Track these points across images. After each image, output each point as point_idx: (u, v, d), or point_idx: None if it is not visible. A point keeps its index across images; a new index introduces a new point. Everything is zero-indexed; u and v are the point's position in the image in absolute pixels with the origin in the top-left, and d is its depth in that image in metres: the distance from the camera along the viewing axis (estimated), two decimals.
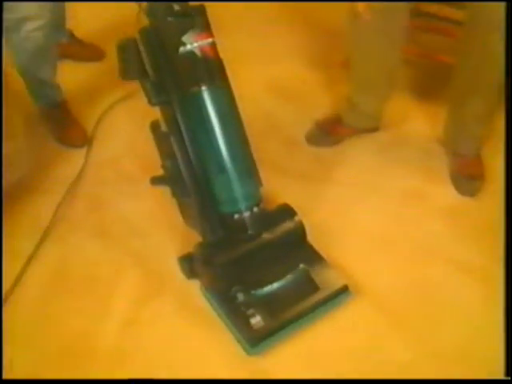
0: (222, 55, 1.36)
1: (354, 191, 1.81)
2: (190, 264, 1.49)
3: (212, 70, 1.34)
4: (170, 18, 1.30)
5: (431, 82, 2.17)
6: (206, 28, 1.33)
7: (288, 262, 1.47)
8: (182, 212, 1.53)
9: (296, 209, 1.49)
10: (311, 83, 2.22)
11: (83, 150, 1.91)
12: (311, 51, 2.36)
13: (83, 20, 2.36)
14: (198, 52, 1.30)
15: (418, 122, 2.05)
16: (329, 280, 1.46)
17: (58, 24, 2.04)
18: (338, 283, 1.46)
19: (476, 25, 1.60)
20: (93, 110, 2.07)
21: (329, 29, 2.42)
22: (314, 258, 1.50)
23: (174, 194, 1.49)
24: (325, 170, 1.88)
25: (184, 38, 1.30)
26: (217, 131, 1.37)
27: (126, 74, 1.36)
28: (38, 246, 1.61)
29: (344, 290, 1.46)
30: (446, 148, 1.92)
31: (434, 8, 2.12)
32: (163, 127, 1.42)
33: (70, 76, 2.07)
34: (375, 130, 2.00)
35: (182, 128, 1.37)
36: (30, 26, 1.68)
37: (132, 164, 1.88)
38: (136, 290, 1.53)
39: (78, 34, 2.31)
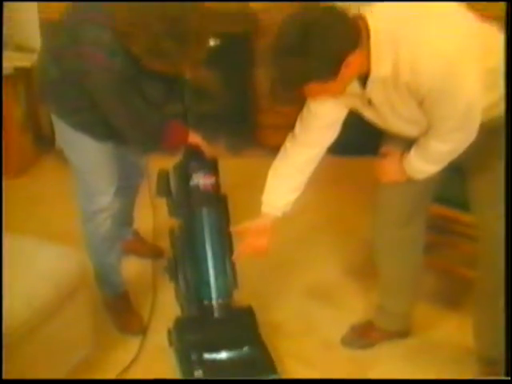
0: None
1: None
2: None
3: (210, 199, 1.95)
4: (193, 162, 1.96)
5: (457, 291, 2.36)
6: (210, 171, 1.95)
7: (237, 343, 1.94)
8: (176, 292, 2.05)
9: None
10: (348, 290, 2.44)
11: (139, 338, 2.14)
12: (349, 259, 2.62)
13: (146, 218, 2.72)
14: (201, 186, 1.92)
15: (446, 330, 2.21)
16: (264, 364, 1.89)
17: (126, 221, 2.42)
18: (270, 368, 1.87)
19: (484, 242, 1.87)
20: (148, 300, 2.33)
21: (365, 238, 2.69)
22: (261, 347, 1.93)
23: (171, 279, 2.02)
24: (357, 372, 2.03)
25: (194, 175, 1.93)
26: (207, 239, 1.93)
27: (158, 192, 2.02)
28: None
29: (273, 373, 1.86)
30: (476, 355, 2.04)
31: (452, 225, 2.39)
32: (176, 233, 2.01)
33: (132, 269, 2.37)
34: (405, 335, 2.17)
35: (186, 234, 1.96)
36: (103, 215, 2.06)
37: None
38: None
39: (141, 232, 2.65)
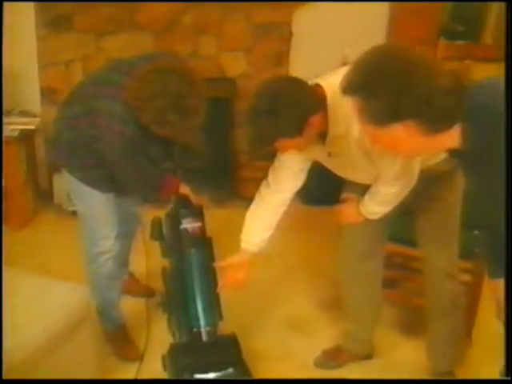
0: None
1: None
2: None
3: (197, 241, 2.27)
4: (182, 209, 2.28)
5: (414, 320, 2.69)
6: (197, 216, 2.29)
7: (223, 364, 2.22)
8: (168, 323, 2.37)
9: None
10: (320, 320, 2.78)
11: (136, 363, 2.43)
12: (320, 295, 2.96)
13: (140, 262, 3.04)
14: (190, 230, 2.25)
15: (405, 352, 2.55)
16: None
17: (123, 261, 2.71)
18: None
19: (428, 273, 2.23)
20: (143, 333, 2.62)
21: (334, 277, 3.05)
22: (244, 368, 2.24)
23: (164, 311, 2.35)
24: None
25: (183, 221, 2.25)
26: (195, 276, 2.25)
27: (152, 237, 2.36)
28: None
29: None
30: (430, 371, 2.36)
31: (409, 262, 2.75)
32: (168, 271, 2.34)
33: (129, 307, 2.67)
34: (369, 356, 2.50)
35: (177, 271, 2.27)
36: (105, 257, 2.38)
37: None
38: None
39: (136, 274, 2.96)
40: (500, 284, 1.56)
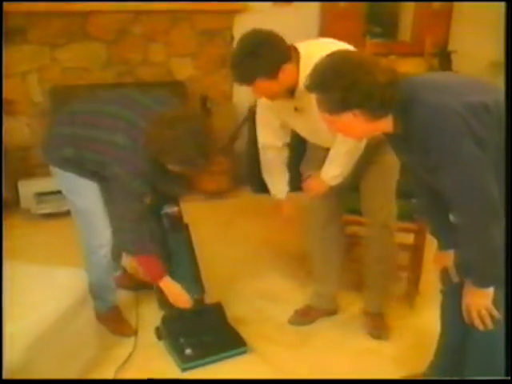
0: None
1: (324, 354, 2.62)
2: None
3: (176, 223, 2.69)
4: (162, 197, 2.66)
5: None
6: (175, 202, 2.69)
7: (212, 327, 2.62)
8: (158, 298, 2.65)
9: None
10: (288, 289, 3.16)
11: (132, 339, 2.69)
12: (286, 269, 3.34)
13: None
14: (170, 213, 2.67)
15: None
16: (236, 341, 2.62)
17: (119, 252, 2.91)
18: (241, 343, 2.61)
19: (368, 228, 2.67)
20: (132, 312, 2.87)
21: (297, 254, 3.43)
22: (231, 329, 2.67)
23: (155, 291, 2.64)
24: (303, 341, 2.73)
25: (164, 207, 2.66)
26: (178, 253, 2.66)
27: None
28: None
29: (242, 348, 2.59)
30: (364, 313, 2.84)
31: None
32: None
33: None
34: (334, 312, 2.90)
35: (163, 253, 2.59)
36: (104, 249, 2.59)
37: None
38: None
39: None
40: (449, 254, 2.00)
